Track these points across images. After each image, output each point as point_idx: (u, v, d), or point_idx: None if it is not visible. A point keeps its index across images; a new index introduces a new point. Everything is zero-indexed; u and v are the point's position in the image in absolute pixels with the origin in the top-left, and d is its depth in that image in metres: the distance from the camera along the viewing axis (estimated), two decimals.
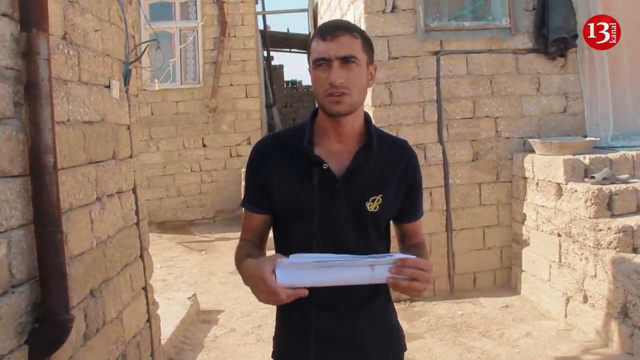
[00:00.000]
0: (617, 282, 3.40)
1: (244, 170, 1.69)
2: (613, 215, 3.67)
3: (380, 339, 1.51)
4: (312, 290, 1.23)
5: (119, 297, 2.56)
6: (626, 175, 3.98)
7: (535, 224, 4.40)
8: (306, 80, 15.28)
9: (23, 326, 1.63)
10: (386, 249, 1.54)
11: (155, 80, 7.01)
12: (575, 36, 4.67)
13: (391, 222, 1.56)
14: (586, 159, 4.03)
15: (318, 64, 1.37)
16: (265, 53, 10.93)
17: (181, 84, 8.44)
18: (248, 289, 1.30)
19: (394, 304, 1.61)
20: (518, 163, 4.64)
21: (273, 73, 12.31)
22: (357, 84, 1.38)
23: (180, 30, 8.41)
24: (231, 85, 8.54)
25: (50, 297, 1.70)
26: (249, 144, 8.35)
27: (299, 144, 1.44)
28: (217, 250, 6.91)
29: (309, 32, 10.40)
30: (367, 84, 1.44)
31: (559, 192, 4.06)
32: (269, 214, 1.50)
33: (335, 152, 1.45)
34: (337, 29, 1.38)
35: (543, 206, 4.27)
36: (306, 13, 10.17)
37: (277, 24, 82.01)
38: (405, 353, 1.59)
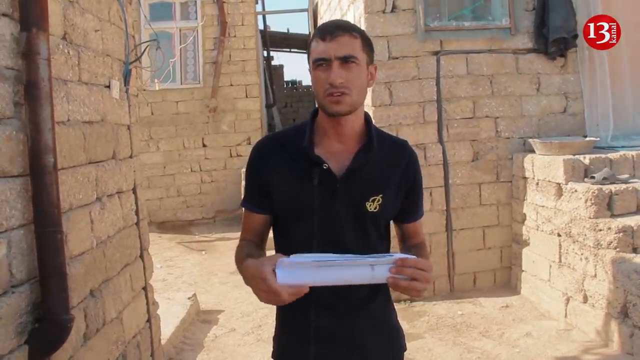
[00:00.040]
0: (617, 282, 3.40)
1: (244, 170, 1.69)
2: (613, 215, 3.67)
3: (380, 339, 1.51)
4: (312, 289, 1.23)
5: (119, 297, 2.56)
6: (626, 175, 3.98)
7: (535, 224, 4.40)
8: (306, 80, 15.29)
9: (23, 326, 1.63)
10: (386, 249, 1.54)
11: (155, 80, 7.01)
12: (575, 36, 4.67)
13: (391, 222, 1.57)
14: (586, 159, 4.03)
15: (318, 64, 1.37)
16: (265, 53, 10.93)
17: (181, 84, 8.44)
18: (248, 288, 1.30)
19: (394, 304, 1.61)
20: (518, 163, 4.64)
21: (273, 73, 12.31)
22: (357, 83, 1.38)
23: (180, 30, 8.41)
24: (231, 85, 8.54)
25: (50, 297, 1.70)
26: (249, 144, 8.35)
27: (299, 143, 1.44)
28: (217, 250, 6.91)
29: (309, 32, 10.40)
30: (367, 83, 1.43)
31: (559, 192, 4.06)
32: (269, 213, 1.50)
33: (336, 152, 1.45)
34: (337, 29, 1.38)
35: (543, 206, 4.27)
36: (306, 13, 10.17)
37: (277, 24, 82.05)
38: (405, 353, 1.59)
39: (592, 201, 3.69)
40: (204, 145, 8.49)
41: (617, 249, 3.48)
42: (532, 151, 4.54)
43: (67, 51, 2.13)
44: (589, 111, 4.80)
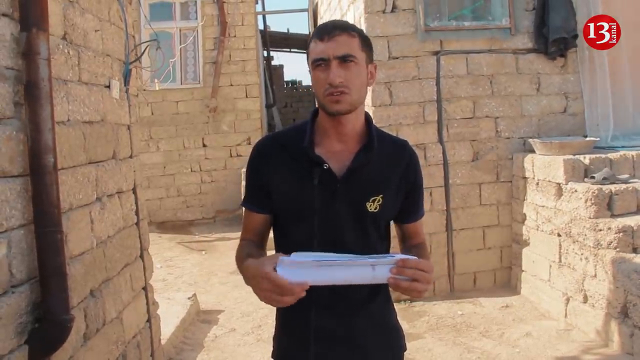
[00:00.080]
0: (617, 282, 3.40)
1: (244, 170, 1.69)
2: (613, 215, 3.67)
3: (380, 339, 1.51)
4: (313, 289, 1.22)
5: (119, 297, 2.56)
6: (626, 175, 3.98)
7: (535, 224, 4.40)
8: (306, 80, 15.30)
9: (23, 326, 1.63)
10: (386, 249, 1.53)
11: (155, 80, 7.01)
12: (575, 36, 4.67)
13: (392, 222, 1.56)
14: (586, 159, 4.03)
15: (317, 65, 1.38)
16: (265, 53, 10.93)
17: (181, 84, 8.45)
18: (248, 288, 1.30)
19: (394, 304, 1.61)
20: (518, 163, 4.64)
21: (273, 73, 12.31)
22: (357, 82, 1.38)
23: (180, 30, 8.41)
24: (231, 85, 8.54)
25: (50, 297, 1.70)
26: (249, 144, 8.35)
27: (299, 143, 1.44)
28: (217, 250, 6.91)
29: (309, 32, 10.40)
30: (367, 82, 1.44)
31: (559, 192, 4.06)
32: (269, 213, 1.50)
33: (336, 152, 1.45)
34: (334, 29, 1.38)
35: (543, 206, 4.27)
36: (306, 13, 10.17)
37: (277, 24, 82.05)
38: (405, 353, 1.59)
39: (592, 201, 3.69)
40: (204, 145, 8.49)
41: (617, 249, 3.48)
42: (532, 151, 4.54)
43: (67, 51, 2.13)
44: (589, 111, 4.80)
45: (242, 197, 1.58)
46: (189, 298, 4.48)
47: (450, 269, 4.78)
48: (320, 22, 7.96)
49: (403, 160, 1.51)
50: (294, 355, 1.49)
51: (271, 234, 1.56)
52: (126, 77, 2.86)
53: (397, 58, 4.67)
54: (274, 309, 1.51)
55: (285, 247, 1.43)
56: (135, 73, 3.18)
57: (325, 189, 1.41)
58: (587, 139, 4.48)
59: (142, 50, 3.23)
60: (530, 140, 4.58)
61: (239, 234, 1.57)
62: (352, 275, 1.23)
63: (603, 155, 4.09)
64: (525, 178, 4.53)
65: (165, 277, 5.70)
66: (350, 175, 1.42)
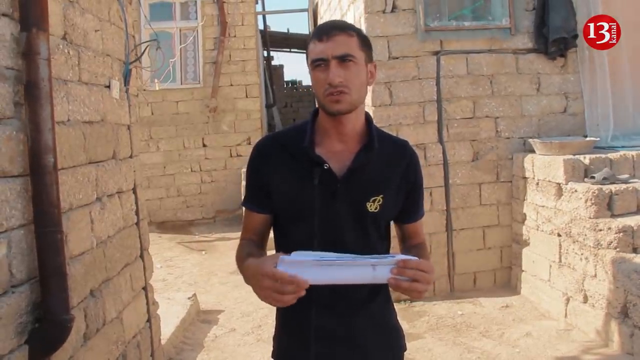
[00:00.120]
0: (617, 282, 3.40)
1: (244, 170, 1.69)
2: (613, 215, 3.67)
3: (380, 339, 1.51)
4: (313, 288, 1.22)
5: (119, 297, 2.56)
6: (626, 175, 3.98)
7: (535, 224, 4.40)
8: (306, 80, 15.29)
9: (23, 326, 1.63)
10: (386, 250, 1.54)
11: (155, 80, 7.01)
12: (575, 36, 4.67)
13: (392, 222, 1.56)
14: (586, 159, 4.03)
15: (316, 65, 1.38)
16: (265, 53, 10.93)
17: (181, 84, 8.45)
18: (248, 288, 1.30)
19: (394, 304, 1.61)
20: (518, 163, 4.64)
21: (273, 73, 12.31)
22: (356, 82, 1.38)
23: (180, 30, 8.41)
24: (231, 85, 8.54)
25: (50, 297, 1.70)
26: (249, 144, 8.35)
27: (299, 143, 1.44)
28: (217, 250, 6.91)
29: (309, 32, 10.39)
30: (367, 82, 1.44)
31: (559, 192, 4.06)
32: (269, 213, 1.50)
33: (336, 152, 1.45)
34: (333, 29, 1.38)
35: (543, 206, 4.27)
36: (306, 13, 10.18)
37: (277, 24, 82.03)
38: (405, 353, 1.59)
39: (592, 201, 3.69)
40: (204, 145, 8.49)
41: (617, 249, 3.48)
42: (532, 151, 4.54)
43: (67, 51, 2.13)
44: (589, 111, 4.80)
45: (242, 197, 1.58)
46: (189, 298, 4.48)
47: (450, 269, 4.78)
48: (320, 22, 7.96)
49: (403, 160, 1.51)
50: (294, 355, 1.49)
51: (271, 234, 1.56)
52: (126, 77, 2.86)
53: (397, 58, 4.67)
54: (274, 309, 1.51)
55: (285, 247, 1.43)
56: (135, 73, 3.18)
57: (326, 189, 1.41)
58: (587, 139, 4.48)
59: (142, 50, 3.23)
60: (530, 140, 4.58)
61: (239, 234, 1.57)
62: (353, 275, 1.23)
63: (603, 155, 4.09)
64: (525, 178, 4.53)
65: (165, 277, 5.70)
66: (350, 175, 1.42)
